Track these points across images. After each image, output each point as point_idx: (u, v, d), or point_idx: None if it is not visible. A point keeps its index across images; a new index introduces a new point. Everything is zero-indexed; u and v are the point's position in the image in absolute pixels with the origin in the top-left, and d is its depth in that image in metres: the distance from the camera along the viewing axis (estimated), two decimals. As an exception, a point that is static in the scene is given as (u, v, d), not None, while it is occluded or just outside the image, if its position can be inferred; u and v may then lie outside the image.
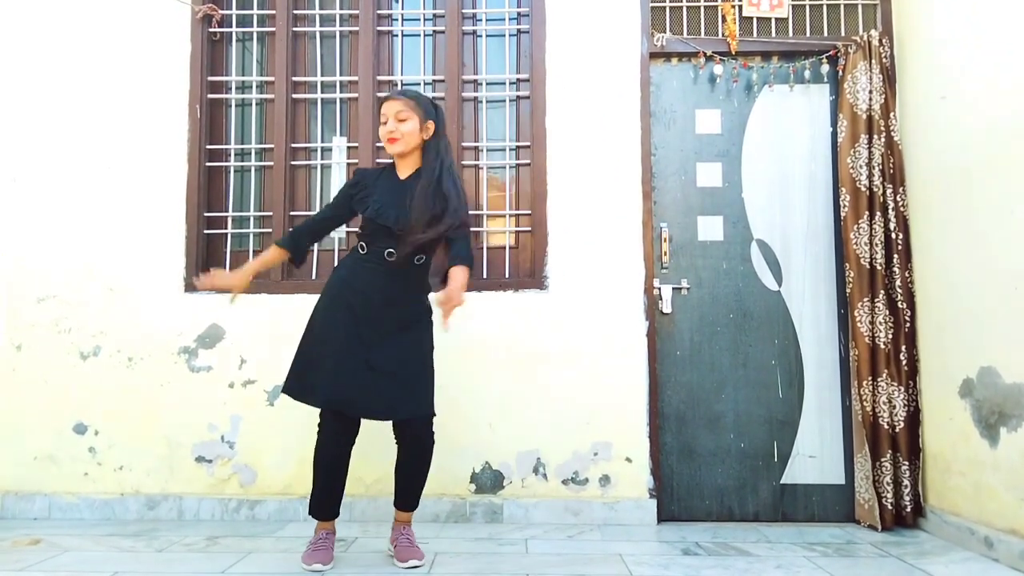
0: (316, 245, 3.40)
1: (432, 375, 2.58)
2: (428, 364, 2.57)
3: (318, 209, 3.45)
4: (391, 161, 2.66)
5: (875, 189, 3.15)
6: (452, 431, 3.09)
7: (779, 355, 3.30)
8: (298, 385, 2.52)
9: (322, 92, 3.50)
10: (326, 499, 2.55)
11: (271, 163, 3.45)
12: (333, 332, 2.49)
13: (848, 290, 3.16)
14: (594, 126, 3.32)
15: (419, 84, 3.50)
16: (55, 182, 3.37)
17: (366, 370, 2.44)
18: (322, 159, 3.50)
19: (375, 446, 3.21)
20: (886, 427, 3.06)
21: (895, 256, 3.11)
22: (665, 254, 3.33)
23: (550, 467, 3.21)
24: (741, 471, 3.26)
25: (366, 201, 2.55)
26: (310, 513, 2.58)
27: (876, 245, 3.13)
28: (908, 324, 3.11)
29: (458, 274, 2.48)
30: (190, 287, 3.32)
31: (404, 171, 2.60)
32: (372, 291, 2.50)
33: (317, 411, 3.22)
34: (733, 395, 3.29)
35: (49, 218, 3.36)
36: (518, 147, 3.43)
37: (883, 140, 3.16)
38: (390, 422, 2.56)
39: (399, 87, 3.48)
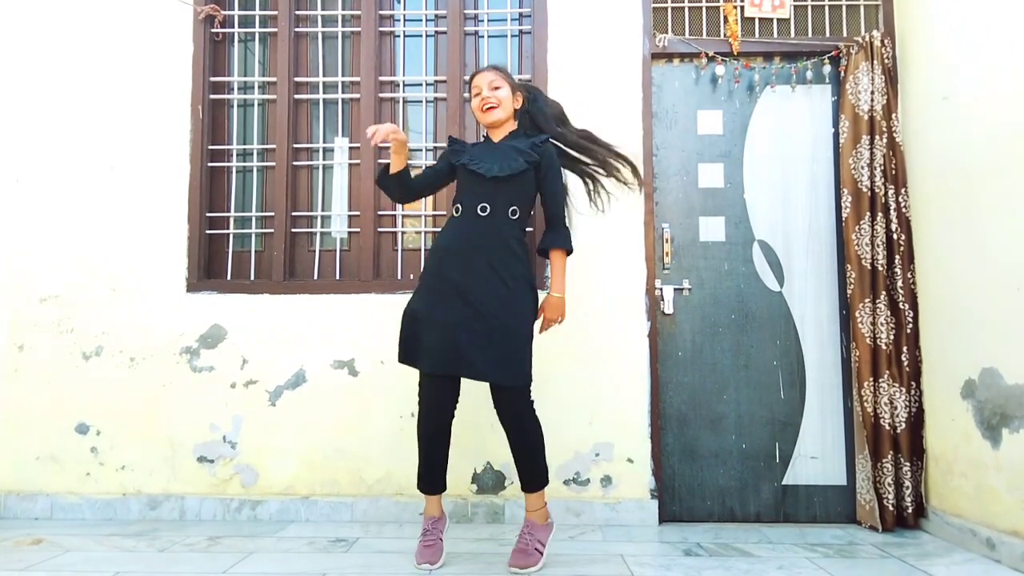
0: (318, 245, 3.44)
1: (528, 343, 2.55)
2: (527, 331, 2.55)
3: (320, 209, 3.47)
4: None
5: (877, 190, 3.15)
6: (454, 431, 3.08)
7: (781, 356, 3.30)
8: (403, 350, 2.55)
9: (324, 93, 3.51)
10: (426, 473, 2.57)
11: (273, 163, 3.45)
12: (433, 294, 2.51)
13: (849, 291, 3.16)
14: (596, 126, 3.27)
15: (421, 84, 3.50)
16: (58, 182, 3.38)
17: (466, 327, 2.44)
18: (324, 160, 3.51)
19: (376, 446, 3.23)
20: (887, 428, 3.06)
21: (897, 257, 3.11)
22: (667, 255, 3.33)
23: (551, 467, 3.17)
24: (743, 472, 3.26)
25: (460, 155, 2.63)
26: (417, 487, 2.61)
27: (878, 246, 3.13)
28: (910, 325, 3.11)
29: (558, 274, 2.61)
30: (192, 287, 3.33)
31: (498, 136, 2.68)
32: (467, 248, 2.51)
33: (321, 410, 3.24)
34: (735, 396, 3.28)
35: (52, 218, 3.37)
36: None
37: (885, 141, 3.16)
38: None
39: (403, 88, 3.49)
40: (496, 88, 2.62)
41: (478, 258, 2.50)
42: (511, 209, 2.55)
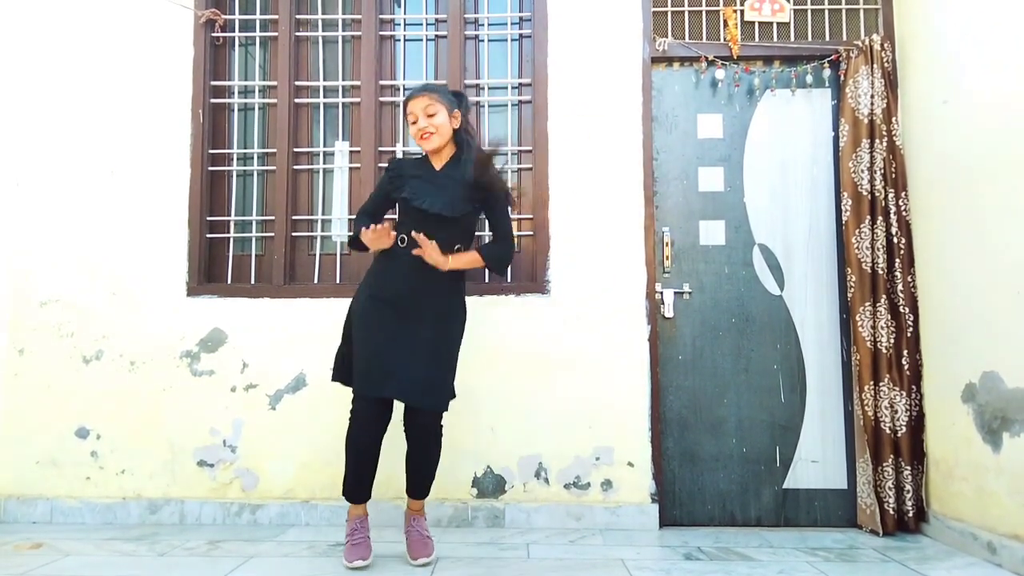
0: (318, 249, 3.44)
1: (453, 371, 2.64)
2: (452, 359, 2.64)
3: (320, 213, 3.47)
4: (423, 155, 2.70)
5: (877, 193, 3.15)
6: (454, 435, 3.08)
7: (781, 360, 3.30)
8: (337, 372, 2.69)
9: (324, 97, 3.51)
10: (355, 484, 2.62)
11: (273, 167, 3.46)
12: (369, 323, 2.56)
13: (850, 295, 3.16)
14: (596, 130, 3.32)
15: (421, 89, 3.51)
16: (58, 186, 3.38)
17: (397, 353, 2.50)
18: (324, 163, 3.51)
19: (377, 450, 3.22)
20: (888, 432, 3.06)
21: (897, 260, 3.11)
22: (667, 258, 3.33)
23: (552, 471, 3.20)
24: (743, 476, 3.25)
25: (402, 188, 2.60)
26: (343, 495, 2.65)
27: (878, 249, 3.13)
28: (911, 329, 3.11)
29: (462, 254, 2.61)
30: (193, 291, 3.33)
31: (439, 162, 2.66)
32: (404, 282, 2.56)
33: (321, 414, 3.24)
34: (735, 400, 3.28)
35: (52, 222, 3.37)
36: (520, 151, 3.43)
37: (885, 144, 3.16)
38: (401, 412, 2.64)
39: (405, 89, 3.49)
40: (431, 115, 2.57)
41: (418, 293, 2.55)
42: (455, 247, 2.61)
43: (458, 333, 2.67)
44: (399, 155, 3.46)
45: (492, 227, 2.73)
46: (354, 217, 2.74)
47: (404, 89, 3.50)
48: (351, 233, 2.73)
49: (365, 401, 2.54)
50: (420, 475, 2.67)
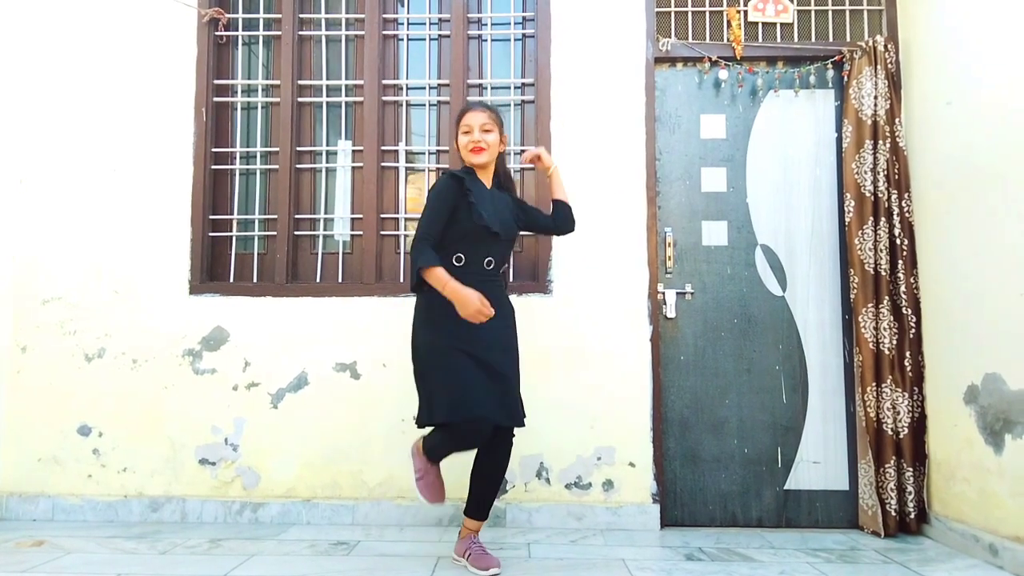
0: (320, 248, 3.45)
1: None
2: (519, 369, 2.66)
3: (323, 212, 3.47)
4: (466, 168, 2.65)
5: (880, 195, 3.15)
6: (455, 435, 3.09)
7: (783, 360, 3.29)
8: (427, 412, 2.50)
9: (327, 96, 3.51)
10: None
11: (276, 166, 3.46)
12: (453, 351, 2.46)
13: (852, 296, 3.16)
14: (599, 130, 3.32)
15: (424, 88, 3.51)
16: (62, 184, 3.39)
17: (489, 379, 2.46)
18: (327, 162, 3.51)
19: (377, 449, 3.23)
20: (890, 433, 3.06)
21: (900, 262, 3.11)
22: (669, 259, 3.33)
23: (553, 471, 3.20)
24: (745, 476, 3.25)
25: (477, 208, 2.52)
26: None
27: (881, 251, 3.13)
28: (913, 330, 3.10)
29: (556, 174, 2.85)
30: (195, 289, 3.33)
31: (487, 179, 2.68)
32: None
33: (322, 412, 3.24)
34: (737, 400, 3.28)
35: (56, 220, 3.38)
36: (523, 151, 3.43)
37: (888, 146, 3.16)
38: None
39: (406, 91, 3.50)
40: (487, 131, 2.59)
41: (494, 315, 2.47)
42: (503, 268, 2.67)
43: (518, 347, 2.70)
44: (402, 154, 3.46)
45: (539, 217, 2.84)
46: (417, 244, 2.48)
47: (407, 89, 3.50)
48: (420, 265, 2.44)
49: (482, 425, 2.41)
50: (488, 495, 2.57)
